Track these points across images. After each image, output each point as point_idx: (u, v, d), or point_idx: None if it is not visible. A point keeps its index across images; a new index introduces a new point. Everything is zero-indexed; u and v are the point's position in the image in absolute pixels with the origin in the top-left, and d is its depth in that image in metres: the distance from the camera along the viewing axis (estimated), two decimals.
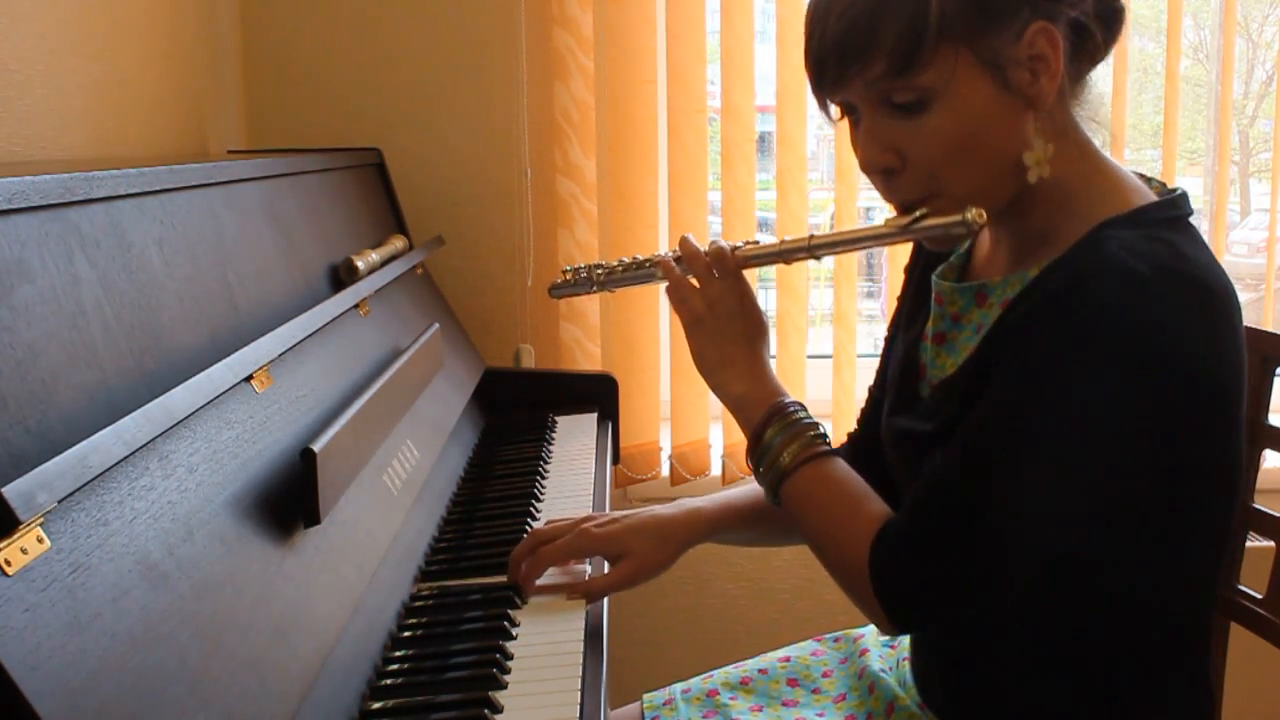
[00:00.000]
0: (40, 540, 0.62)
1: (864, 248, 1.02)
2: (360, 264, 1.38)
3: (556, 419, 1.76)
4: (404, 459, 1.20)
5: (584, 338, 1.96)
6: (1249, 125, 2.43)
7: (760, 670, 1.25)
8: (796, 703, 1.20)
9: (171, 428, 0.79)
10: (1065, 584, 0.95)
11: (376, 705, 0.94)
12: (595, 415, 1.78)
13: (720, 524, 1.20)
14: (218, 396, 0.87)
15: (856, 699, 1.18)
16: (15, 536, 0.60)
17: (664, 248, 1.98)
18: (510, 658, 1.00)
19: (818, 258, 1.06)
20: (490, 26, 1.91)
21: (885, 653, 1.23)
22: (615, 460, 1.82)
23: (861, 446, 1.18)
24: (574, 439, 1.67)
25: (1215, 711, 1.07)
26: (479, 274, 1.96)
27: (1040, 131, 0.92)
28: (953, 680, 1.06)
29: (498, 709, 0.92)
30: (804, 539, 1.03)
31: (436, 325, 1.49)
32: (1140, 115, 2.21)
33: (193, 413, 0.82)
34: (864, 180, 1.98)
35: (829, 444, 1.04)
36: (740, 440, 1.97)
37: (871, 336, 2.38)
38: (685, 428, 1.99)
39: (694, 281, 1.09)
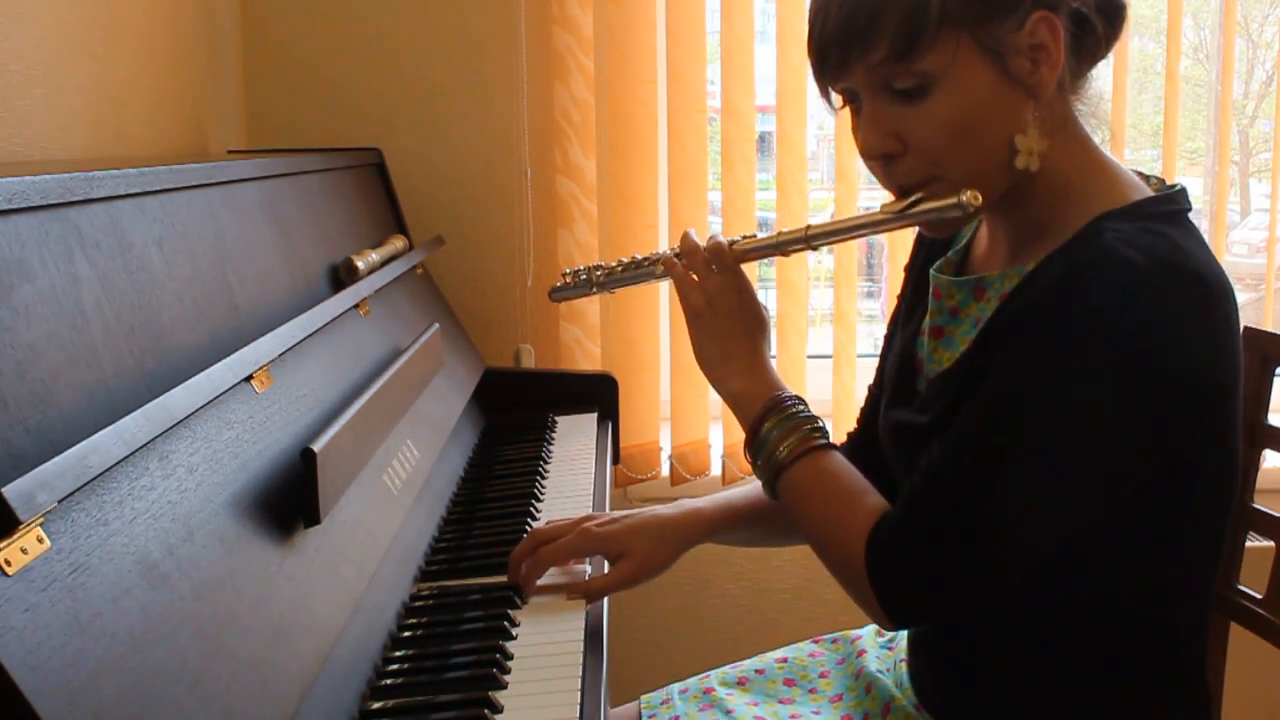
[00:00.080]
0: (40, 540, 0.62)
1: (861, 235, 1.02)
2: (360, 264, 1.38)
3: (556, 419, 1.76)
4: (404, 459, 1.20)
5: (584, 338, 1.96)
6: (1249, 125, 2.43)
7: (757, 670, 1.26)
8: (793, 701, 1.21)
9: (171, 428, 0.79)
10: (1061, 581, 0.95)
11: (376, 705, 0.94)
12: (595, 415, 1.78)
13: (720, 524, 1.20)
14: (218, 396, 0.87)
15: (853, 699, 1.18)
16: (15, 536, 0.60)
17: (664, 248, 1.96)
18: (510, 658, 1.00)
19: (815, 248, 1.06)
20: (490, 26, 1.91)
21: (883, 654, 1.23)
22: (615, 460, 1.82)
23: (861, 445, 1.19)
24: (574, 439, 1.67)
25: (1214, 711, 1.07)
26: (479, 274, 1.96)
27: (1038, 123, 0.93)
28: (950, 681, 1.06)
29: (498, 709, 0.92)
30: (801, 533, 1.04)
31: (436, 325, 1.49)
32: (1140, 115, 2.21)
33: (193, 413, 0.82)
34: (864, 180, 1.99)
35: (827, 438, 1.04)
36: (740, 440, 1.97)
37: (871, 336, 2.38)
38: (685, 428, 1.99)
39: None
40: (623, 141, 1.93)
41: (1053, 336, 0.87)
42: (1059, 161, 0.94)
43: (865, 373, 2.01)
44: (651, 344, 1.98)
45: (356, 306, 1.32)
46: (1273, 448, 1.20)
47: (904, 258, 1.93)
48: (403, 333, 1.45)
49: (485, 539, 1.29)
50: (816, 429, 1.04)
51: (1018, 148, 0.92)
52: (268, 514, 0.88)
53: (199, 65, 1.74)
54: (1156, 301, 0.85)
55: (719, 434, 2.00)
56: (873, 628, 1.28)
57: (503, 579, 1.16)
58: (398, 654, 1.03)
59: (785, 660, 1.27)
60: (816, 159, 2.32)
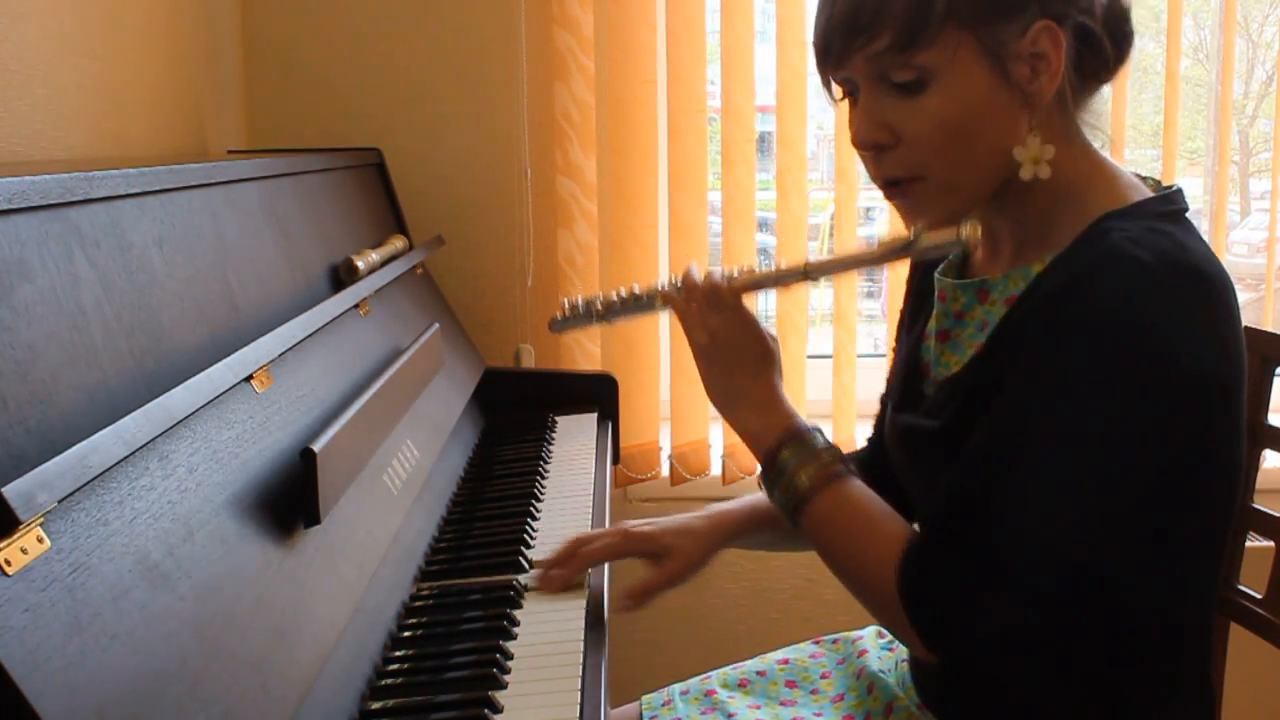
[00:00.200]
0: (40, 540, 0.62)
1: (859, 269, 1.01)
2: (360, 264, 1.38)
3: (556, 419, 1.76)
4: (404, 459, 1.20)
5: (584, 338, 1.96)
6: (1249, 125, 2.43)
7: (758, 672, 1.26)
8: (795, 703, 1.20)
9: (171, 428, 0.79)
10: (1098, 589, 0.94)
11: (376, 705, 0.94)
12: (595, 415, 1.78)
13: (747, 525, 1.21)
14: (218, 396, 0.87)
15: (855, 699, 1.18)
16: (15, 536, 0.60)
17: (664, 248, 1.98)
18: (510, 658, 1.00)
19: (814, 280, 1.05)
20: (490, 26, 1.91)
21: (884, 654, 1.23)
22: (615, 460, 1.82)
23: (879, 451, 1.18)
24: (574, 439, 1.67)
25: (1216, 712, 1.07)
26: (479, 274, 1.96)
27: (1039, 130, 0.93)
28: (956, 683, 1.06)
29: (498, 709, 0.92)
30: (826, 563, 1.01)
31: (436, 325, 1.49)
32: (1140, 115, 2.21)
33: (193, 413, 0.82)
34: (864, 180, 1.99)
35: (847, 465, 1.02)
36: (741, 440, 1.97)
37: (871, 336, 2.38)
38: (685, 428, 1.99)
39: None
40: (623, 141, 1.93)
41: (1067, 344, 0.87)
42: (1060, 166, 0.95)
43: (865, 373, 2.03)
44: (651, 344, 1.98)
45: (356, 306, 1.32)
46: (1273, 448, 1.20)
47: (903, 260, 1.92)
48: (403, 333, 1.45)
49: (485, 539, 1.29)
50: (835, 457, 1.02)
51: (1018, 159, 0.93)
52: (268, 514, 0.88)
53: (199, 65, 1.74)
54: (1167, 301, 0.86)
55: (719, 434, 2.00)
56: (874, 629, 1.28)
57: (503, 578, 1.16)
58: (398, 654, 1.03)
59: (787, 661, 1.27)
60: (816, 159, 2.32)
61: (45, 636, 0.59)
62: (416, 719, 0.92)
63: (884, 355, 2.01)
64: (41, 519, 0.63)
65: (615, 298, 1.13)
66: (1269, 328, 1.30)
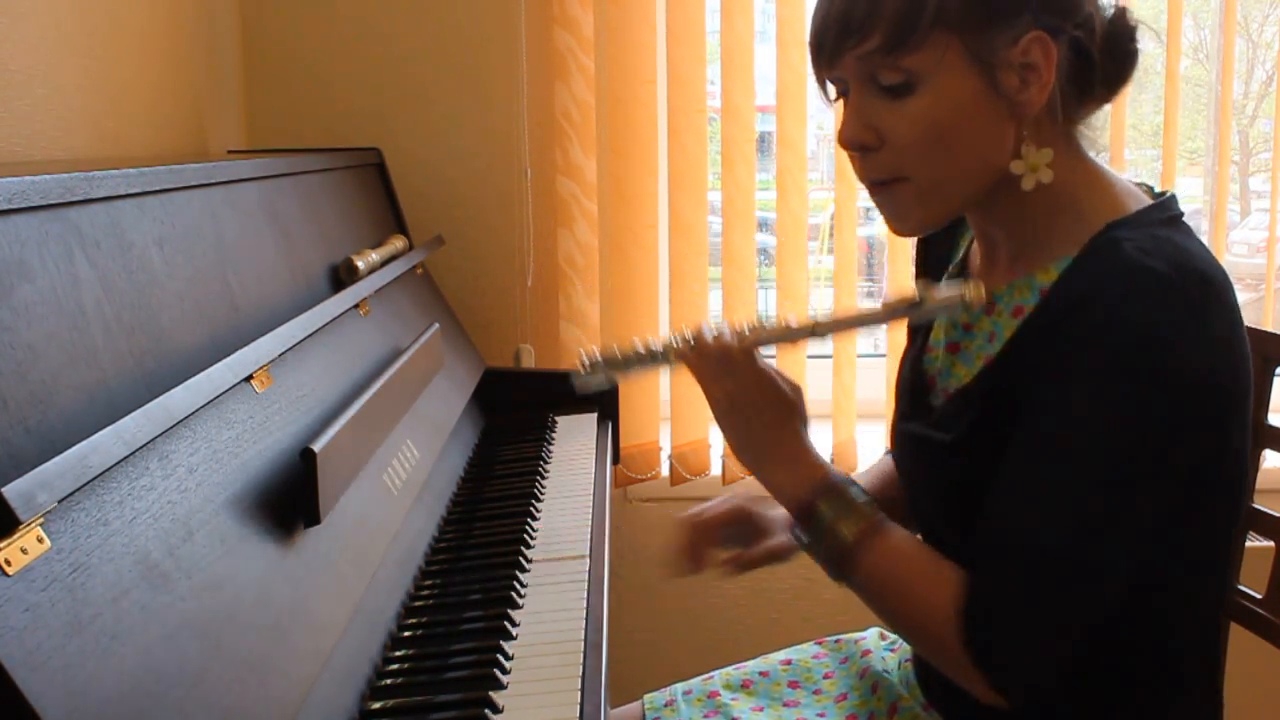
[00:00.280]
0: (40, 540, 0.62)
1: (865, 327, 1.01)
2: (360, 264, 1.38)
3: (556, 419, 1.76)
4: (404, 459, 1.20)
5: (584, 338, 1.96)
6: (1249, 125, 2.43)
7: (761, 673, 1.26)
8: (798, 703, 1.21)
9: (171, 428, 0.79)
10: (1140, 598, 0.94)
11: (376, 705, 0.94)
12: (595, 415, 1.78)
13: None
14: (218, 396, 0.87)
15: (858, 698, 1.18)
16: (15, 536, 0.60)
17: (664, 248, 1.98)
18: (510, 658, 1.00)
19: (822, 337, 1.03)
20: (490, 26, 1.91)
21: (887, 655, 1.23)
22: (615, 460, 1.82)
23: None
24: (574, 439, 1.67)
25: (1221, 713, 1.07)
26: (479, 274, 1.96)
27: (1032, 139, 0.93)
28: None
29: (498, 709, 0.92)
30: (877, 612, 0.99)
31: (436, 325, 1.49)
32: (1140, 115, 2.21)
33: (193, 413, 0.82)
34: None
35: (883, 515, 1.00)
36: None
37: (871, 336, 2.38)
38: (685, 428, 1.99)
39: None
40: (623, 141, 1.93)
41: (1096, 362, 0.86)
42: (1056, 175, 0.95)
43: (865, 373, 2.03)
44: None
45: (356, 306, 1.32)
46: (1273, 448, 1.20)
47: (903, 259, 1.94)
48: (403, 333, 1.45)
49: (485, 539, 1.29)
50: (875, 507, 0.99)
51: (1015, 171, 0.93)
52: (268, 514, 0.88)
53: (199, 65, 1.74)
54: (1186, 313, 0.86)
55: (719, 434, 2.00)
56: (876, 629, 1.28)
57: (503, 578, 1.16)
58: (398, 654, 1.03)
59: (790, 662, 1.27)
60: (816, 159, 2.32)
61: (45, 636, 0.59)
62: (416, 719, 0.92)
63: (884, 355, 2.01)
64: (41, 519, 0.63)
65: (633, 353, 1.10)
66: (1269, 328, 1.30)
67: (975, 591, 0.90)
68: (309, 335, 1.10)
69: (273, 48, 1.91)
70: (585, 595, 1.14)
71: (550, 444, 1.64)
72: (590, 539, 1.29)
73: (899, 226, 0.99)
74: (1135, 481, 0.86)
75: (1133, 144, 2.15)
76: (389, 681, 0.98)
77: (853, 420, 2.00)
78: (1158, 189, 1.00)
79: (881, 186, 0.97)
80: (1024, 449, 0.90)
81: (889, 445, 1.13)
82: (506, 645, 1.02)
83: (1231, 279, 0.93)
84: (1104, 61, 0.94)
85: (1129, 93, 0.99)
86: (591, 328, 1.96)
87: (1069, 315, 0.88)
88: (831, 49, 0.94)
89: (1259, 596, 1.17)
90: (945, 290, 0.94)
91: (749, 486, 1.98)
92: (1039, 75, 0.91)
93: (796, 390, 1.04)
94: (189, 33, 1.70)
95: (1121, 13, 0.95)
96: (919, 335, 1.11)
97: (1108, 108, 1.01)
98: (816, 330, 1.01)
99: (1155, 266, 0.86)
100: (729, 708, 1.20)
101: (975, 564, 0.91)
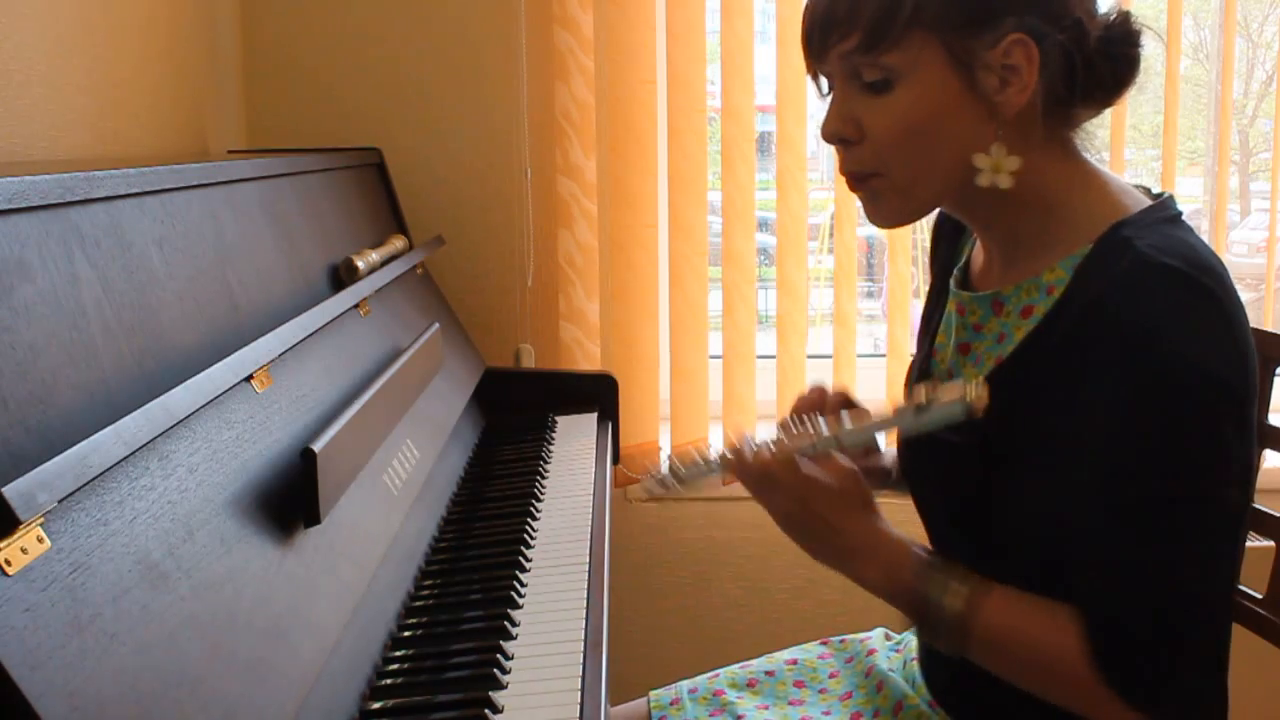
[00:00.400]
0: (40, 540, 0.62)
1: (883, 431, 1.00)
2: (360, 264, 1.38)
3: (556, 419, 1.76)
4: (404, 459, 1.20)
5: (584, 338, 1.96)
6: (1249, 125, 2.43)
7: (767, 672, 1.26)
8: (803, 702, 1.21)
9: (171, 428, 0.79)
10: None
11: (376, 705, 0.94)
12: (595, 415, 1.78)
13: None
14: (218, 396, 0.87)
15: (863, 696, 1.19)
16: (15, 536, 0.60)
17: (664, 248, 1.98)
18: (510, 658, 1.00)
19: (845, 448, 1.02)
20: (490, 26, 1.91)
21: (892, 655, 1.23)
22: (615, 460, 1.81)
23: None
24: (574, 439, 1.67)
25: (1227, 713, 1.07)
26: (479, 274, 1.96)
27: (1005, 140, 0.93)
28: (964, 677, 1.06)
29: (498, 709, 0.92)
30: (1000, 671, 0.97)
31: (436, 325, 1.49)
32: (1140, 115, 2.21)
33: (193, 413, 0.82)
34: None
35: (975, 574, 0.98)
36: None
37: (871, 337, 2.38)
38: (685, 427, 1.99)
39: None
40: (623, 141, 1.93)
41: (1131, 370, 0.87)
42: (1042, 177, 0.95)
43: (865, 373, 2.03)
44: (651, 344, 1.98)
45: (356, 306, 1.32)
46: (1273, 448, 1.20)
47: (903, 259, 1.94)
48: (403, 333, 1.45)
49: (485, 539, 1.29)
50: (965, 569, 0.97)
51: (978, 166, 0.94)
52: (268, 514, 0.88)
53: (199, 65, 1.74)
54: (1207, 307, 0.87)
55: (719, 434, 2.00)
56: (881, 630, 1.28)
57: (503, 577, 1.16)
58: (398, 654, 1.03)
59: (795, 662, 1.27)
60: (816, 159, 2.32)
61: (45, 636, 0.59)
62: (416, 719, 0.92)
63: (884, 355, 2.01)
64: (41, 519, 0.63)
65: (692, 465, 1.09)
66: (1269, 328, 1.30)
67: (1095, 625, 0.90)
68: (309, 335, 1.10)
69: (273, 48, 1.91)
70: (585, 595, 1.14)
71: (550, 444, 1.64)
72: (590, 539, 1.29)
73: (877, 220, 1.01)
74: (1200, 481, 0.87)
75: (1133, 144, 2.15)
76: (389, 681, 0.98)
77: None
78: (1155, 189, 1.00)
79: (859, 181, 0.98)
80: (1081, 463, 0.90)
81: (898, 449, 1.12)
82: (506, 645, 1.02)
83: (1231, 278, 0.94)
84: (1101, 66, 0.94)
85: (1128, 92, 0.99)
86: (591, 328, 1.96)
87: (1090, 316, 0.89)
88: (818, 45, 0.96)
89: (1259, 596, 1.17)
90: (949, 391, 0.94)
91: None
92: (1020, 77, 0.91)
93: (850, 476, 0.99)
94: (189, 33, 1.70)
95: (1124, 17, 0.95)
96: (927, 338, 1.11)
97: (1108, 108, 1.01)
98: (841, 440, 1.00)
99: (1171, 263, 0.87)
100: (734, 706, 1.20)
101: (1079, 594, 0.91)
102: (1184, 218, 0.96)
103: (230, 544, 0.81)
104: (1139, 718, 0.90)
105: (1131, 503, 0.88)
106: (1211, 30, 2.23)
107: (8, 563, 0.59)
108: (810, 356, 2.03)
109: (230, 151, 1.77)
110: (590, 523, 1.34)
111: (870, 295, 2.41)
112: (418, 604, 1.13)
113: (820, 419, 1.00)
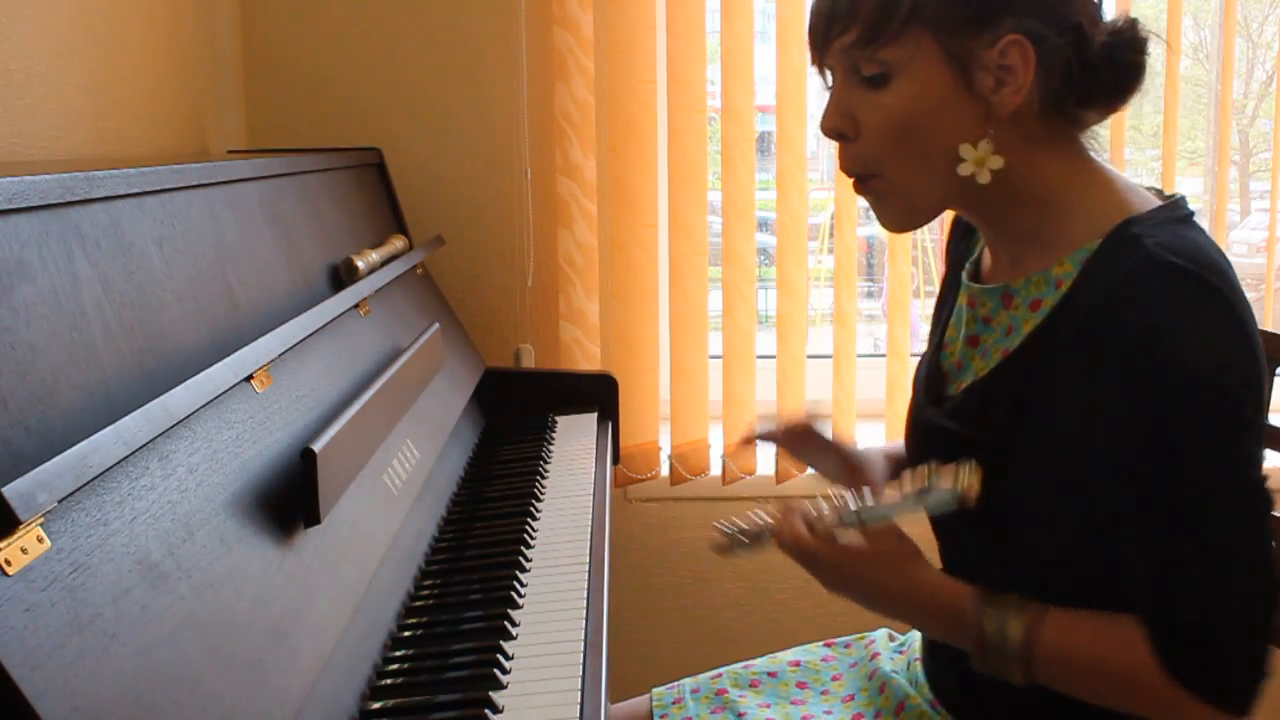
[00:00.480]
0: (40, 540, 0.62)
1: (895, 513, 1.02)
2: (360, 264, 1.38)
3: (556, 419, 1.76)
4: (404, 459, 1.20)
5: (584, 338, 1.96)
6: (1249, 125, 2.43)
7: (770, 673, 1.26)
8: (805, 702, 1.21)
9: (171, 428, 0.79)
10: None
11: (376, 705, 0.94)
12: (595, 415, 1.78)
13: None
14: (218, 396, 0.87)
15: (866, 699, 1.19)
16: (15, 536, 0.60)
17: (664, 248, 1.98)
18: (510, 658, 1.01)
19: (865, 527, 1.02)
20: (490, 26, 1.91)
21: (895, 656, 1.23)
22: (615, 460, 1.82)
23: None
24: (574, 439, 1.67)
25: None
26: (479, 274, 1.97)
27: (999, 138, 0.94)
28: (967, 676, 1.06)
29: (498, 709, 0.92)
30: (1071, 690, 0.96)
31: (436, 325, 1.49)
32: (1140, 115, 2.21)
33: (193, 413, 0.82)
34: None
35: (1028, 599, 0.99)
36: (741, 439, 1.97)
37: (871, 336, 2.38)
38: (685, 427, 1.99)
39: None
40: (623, 141, 1.93)
41: (1143, 369, 0.87)
42: (1043, 176, 0.96)
43: (865, 373, 2.03)
44: (651, 344, 1.98)
45: (356, 306, 1.32)
46: (1273, 447, 1.20)
47: (903, 259, 1.94)
48: (403, 333, 1.45)
49: (485, 539, 1.29)
50: (1018, 599, 0.97)
51: (962, 156, 0.95)
52: (268, 514, 0.88)
53: (199, 65, 1.74)
54: (1216, 306, 0.88)
55: (719, 434, 2.00)
56: (885, 631, 1.29)
57: (503, 576, 1.16)
58: (398, 654, 1.03)
59: (798, 663, 1.27)
60: (816, 159, 2.32)
61: (45, 636, 0.59)
62: (416, 719, 0.92)
63: (884, 355, 2.01)
64: (41, 519, 0.63)
65: (751, 534, 1.09)
66: (1269, 328, 1.30)
67: (1159, 630, 0.90)
68: (309, 335, 1.10)
69: (273, 48, 1.91)
70: (585, 595, 1.14)
71: (550, 444, 1.64)
72: (590, 539, 1.29)
73: (885, 223, 1.03)
74: (1228, 472, 0.88)
75: (1133, 144, 2.15)
76: (389, 681, 0.98)
77: (853, 420, 2.00)
78: (1167, 192, 1.01)
79: (862, 183, 1.00)
80: (1096, 464, 0.90)
81: (904, 438, 1.13)
82: (506, 645, 1.02)
83: None
84: (1105, 71, 0.94)
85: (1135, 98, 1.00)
86: (591, 328, 1.96)
87: (1099, 314, 0.90)
88: (820, 40, 0.98)
89: None
90: (944, 477, 0.96)
91: (749, 486, 1.99)
92: (1015, 78, 0.92)
93: (887, 536, 1.00)
94: (189, 33, 1.70)
95: (1131, 25, 0.96)
96: (937, 332, 1.12)
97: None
98: (864, 521, 1.01)
99: (1180, 262, 0.88)
100: (736, 704, 1.20)
101: (1136, 602, 0.91)
102: (1195, 219, 0.96)
103: (230, 544, 0.81)
104: (1218, 711, 0.89)
105: (1165, 503, 0.88)
106: (1211, 30, 2.23)
107: (8, 563, 0.59)
108: (810, 356, 2.03)
109: (230, 151, 1.77)
110: (590, 523, 1.34)
111: (870, 295, 2.41)
112: (418, 604, 1.13)
113: (849, 495, 1.02)
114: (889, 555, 0.99)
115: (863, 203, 2.03)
